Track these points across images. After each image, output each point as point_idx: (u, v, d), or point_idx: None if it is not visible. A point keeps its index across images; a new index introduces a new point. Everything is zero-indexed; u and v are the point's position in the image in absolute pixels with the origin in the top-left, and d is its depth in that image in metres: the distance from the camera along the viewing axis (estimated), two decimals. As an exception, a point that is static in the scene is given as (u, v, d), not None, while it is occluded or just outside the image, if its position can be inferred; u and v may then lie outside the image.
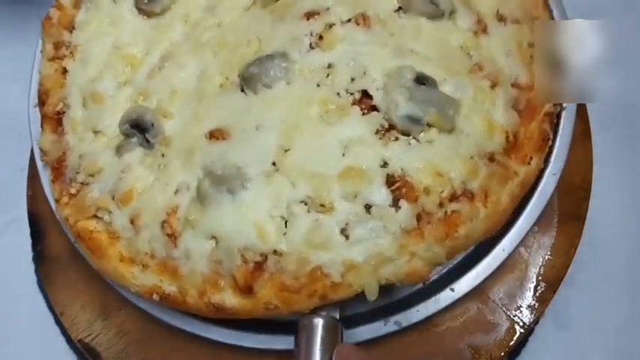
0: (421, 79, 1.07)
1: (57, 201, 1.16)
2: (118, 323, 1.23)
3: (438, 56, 1.10)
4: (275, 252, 1.00)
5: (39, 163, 1.22)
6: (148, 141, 1.14)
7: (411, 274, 0.99)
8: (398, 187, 1.01)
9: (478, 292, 1.20)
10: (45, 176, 1.20)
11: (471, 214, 1.01)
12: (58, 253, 1.23)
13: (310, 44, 1.11)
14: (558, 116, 1.13)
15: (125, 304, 1.21)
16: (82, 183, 1.15)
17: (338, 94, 1.08)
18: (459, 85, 1.08)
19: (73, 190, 1.15)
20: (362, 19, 1.12)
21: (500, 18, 1.15)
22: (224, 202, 1.03)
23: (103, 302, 1.24)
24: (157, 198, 1.08)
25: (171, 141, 1.13)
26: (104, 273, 1.11)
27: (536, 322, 1.20)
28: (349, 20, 1.12)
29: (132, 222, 1.09)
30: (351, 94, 1.08)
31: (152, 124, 1.13)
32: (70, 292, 1.24)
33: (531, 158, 1.07)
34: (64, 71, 1.24)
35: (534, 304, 1.20)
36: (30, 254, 1.33)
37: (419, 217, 1.00)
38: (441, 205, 1.01)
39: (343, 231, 1.00)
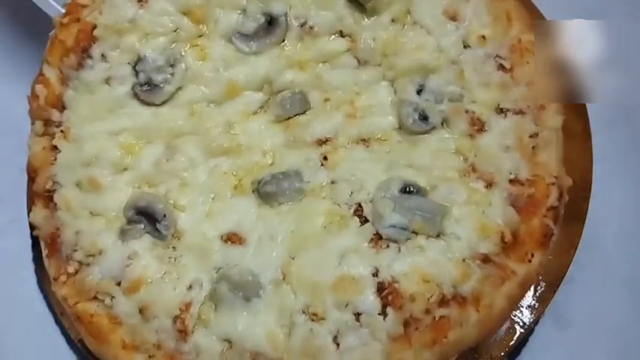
0: (408, 188, 1.11)
1: (54, 279, 1.14)
2: (118, 324, 1.23)
3: (430, 166, 1.14)
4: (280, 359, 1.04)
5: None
6: (158, 231, 1.13)
7: None
8: (386, 294, 1.04)
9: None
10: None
11: (461, 319, 1.02)
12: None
13: (320, 163, 1.16)
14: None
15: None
16: (80, 262, 1.13)
17: (339, 206, 1.13)
18: (451, 190, 1.11)
19: (71, 269, 1.13)
20: (363, 142, 1.19)
21: (501, 111, 1.16)
22: (239, 308, 1.07)
23: (102, 303, 1.24)
24: (168, 291, 1.09)
25: (183, 235, 1.14)
26: (100, 357, 1.10)
27: (536, 322, 1.20)
28: (354, 142, 1.18)
29: (141, 311, 1.08)
30: (350, 206, 1.12)
31: (164, 215, 1.13)
32: (69, 294, 1.24)
33: (532, 255, 1.07)
34: (54, 148, 1.20)
35: (534, 304, 1.19)
36: (30, 254, 1.33)
37: (406, 324, 1.02)
38: (427, 311, 1.02)
39: (335, 339, 1.03)
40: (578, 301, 1.27)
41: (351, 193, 1.13)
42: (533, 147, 1.12)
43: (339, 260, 1.08)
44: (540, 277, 1.20)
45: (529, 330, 1.20)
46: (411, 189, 1.11)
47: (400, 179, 1.12)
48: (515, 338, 1.18)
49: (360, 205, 1.13)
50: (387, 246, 1.08)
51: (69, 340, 1.26)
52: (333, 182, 1.15)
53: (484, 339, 1.06)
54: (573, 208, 1.23)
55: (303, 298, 1.06)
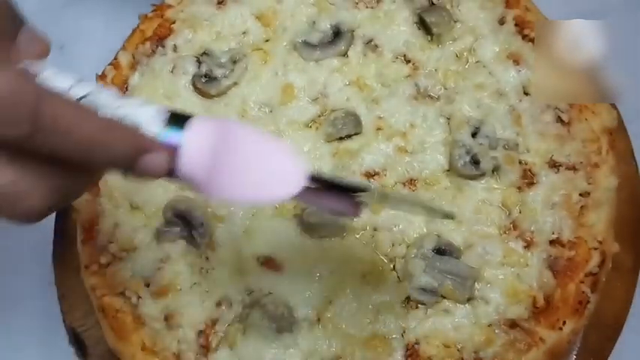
0: (443, 248, 1.08)
1: (86, 267, 1.14)
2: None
3: (472, 218, 1.11)
4: None
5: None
6: (193, 238, 1.12)
7: None
8: (407, 355, 1.02)
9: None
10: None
11: None
12: (76, 236, 1.22)
13: None
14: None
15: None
16: (113, 255, 1.13)
17: (380, 257, 1.10)
18: (487, 250, 1.08)
19: (103, 260, 1.13)
20: (409, 183, 1.15)
21: (554, 165, 1.13)
22: (270, 339, 1.05)
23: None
24: (196, 304, 1.09)
25: (217, 247, 1.13)
26: (117, 353, 1.09)
27: None
28: (401, 183, 1.16)
29: (166, 318, 1.08)
30: (391, 260, 1.10)
31: (202, 224, 1.12)
32: (77, 279, 1.21)
33: (564, 323, 1.01)
34: None
35: None
36: (30, 254, 1.33)
37: None
38: None
39: None
40: None
41: (392, 245, 1.11)
42: (581, 207, 1.09)
43: (374, 316, 1.06)
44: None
45: None
46: (445, 249, 1.08)
47: (434, 237, 1.09)
48: None
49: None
50: (417, 307, 1.07)
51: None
52: (375, 229, 1.13)
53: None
54: (594, 348, 1.14)
55: (334, 347, 1.05)
